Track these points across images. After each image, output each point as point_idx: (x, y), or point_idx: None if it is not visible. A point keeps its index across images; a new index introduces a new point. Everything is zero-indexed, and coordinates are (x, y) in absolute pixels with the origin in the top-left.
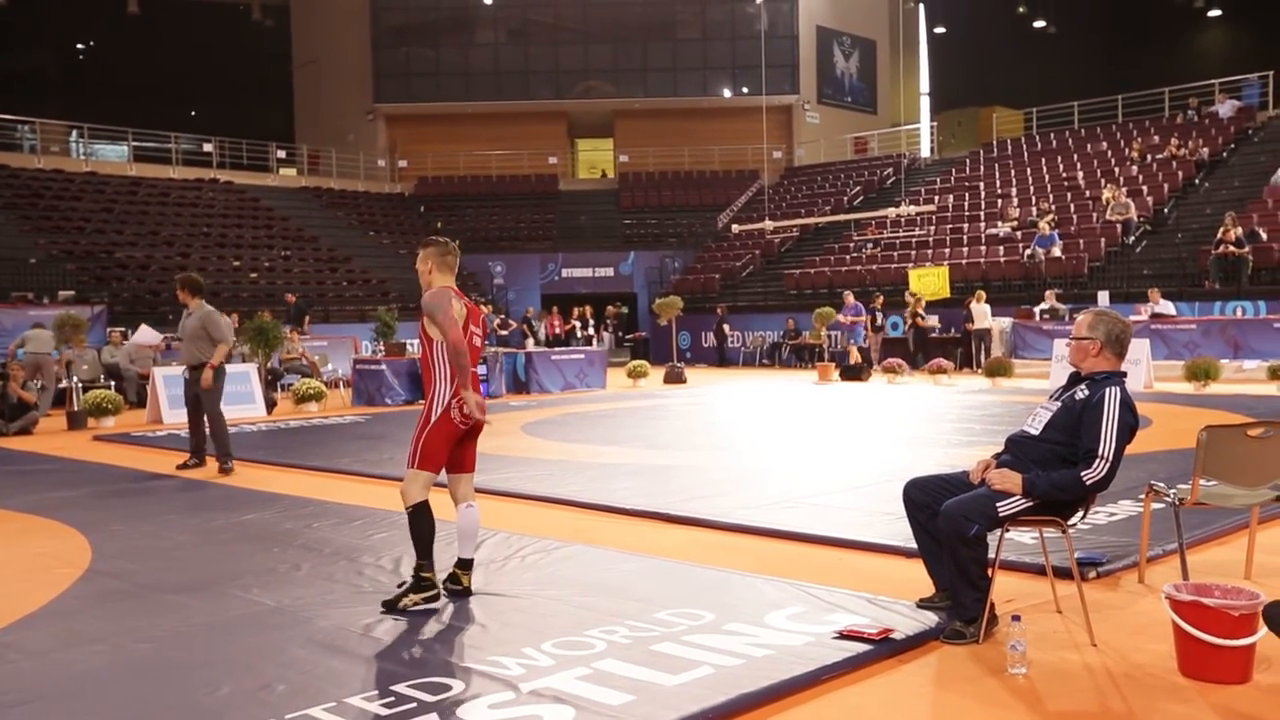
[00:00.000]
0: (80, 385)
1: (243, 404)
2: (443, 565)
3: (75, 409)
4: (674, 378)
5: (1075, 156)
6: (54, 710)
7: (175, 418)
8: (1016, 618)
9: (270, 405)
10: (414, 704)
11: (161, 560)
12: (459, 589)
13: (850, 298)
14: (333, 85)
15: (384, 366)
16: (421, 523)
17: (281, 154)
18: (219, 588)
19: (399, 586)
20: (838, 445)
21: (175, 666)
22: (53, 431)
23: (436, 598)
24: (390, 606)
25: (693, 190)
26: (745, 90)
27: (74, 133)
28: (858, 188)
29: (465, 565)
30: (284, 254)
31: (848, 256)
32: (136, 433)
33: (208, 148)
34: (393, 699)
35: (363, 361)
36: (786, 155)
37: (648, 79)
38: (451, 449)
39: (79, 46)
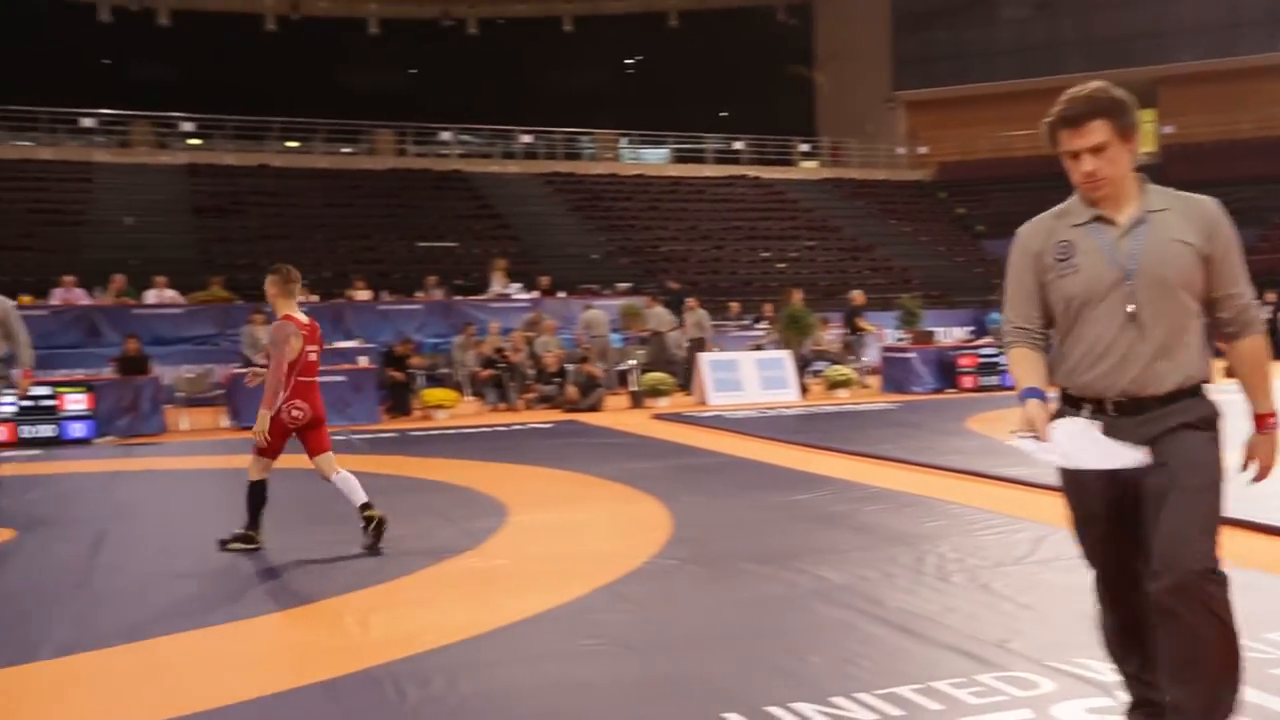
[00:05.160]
0: (639, 367)
1: (777, 389)
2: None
3: (635, 389)
4: None
5: None
6: (662, 654)
7: (719, 400)
8: None
9: (803, 390)
10: (1004, 697)
11: (733, 532)
12: (376, 526)
13: None
14: (853, 76)
15: (913, 355)
16: (256, 496)
17: (804, 147)
18: (787, 561)
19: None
20: None
21: (761, 631)
22: (616, 409)
23: (255, 550)
24: (223, 545)
25: (1257, 159)
26: None
27: (623, 140)
28: None
29: (366, 507)
30: (808, 244)
31: None
32: (687, 413)
33: (737, 146)
34: (980, 689)
35: (891, 350)
36: None
37: (1199, 39)
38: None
39: (626, 62)
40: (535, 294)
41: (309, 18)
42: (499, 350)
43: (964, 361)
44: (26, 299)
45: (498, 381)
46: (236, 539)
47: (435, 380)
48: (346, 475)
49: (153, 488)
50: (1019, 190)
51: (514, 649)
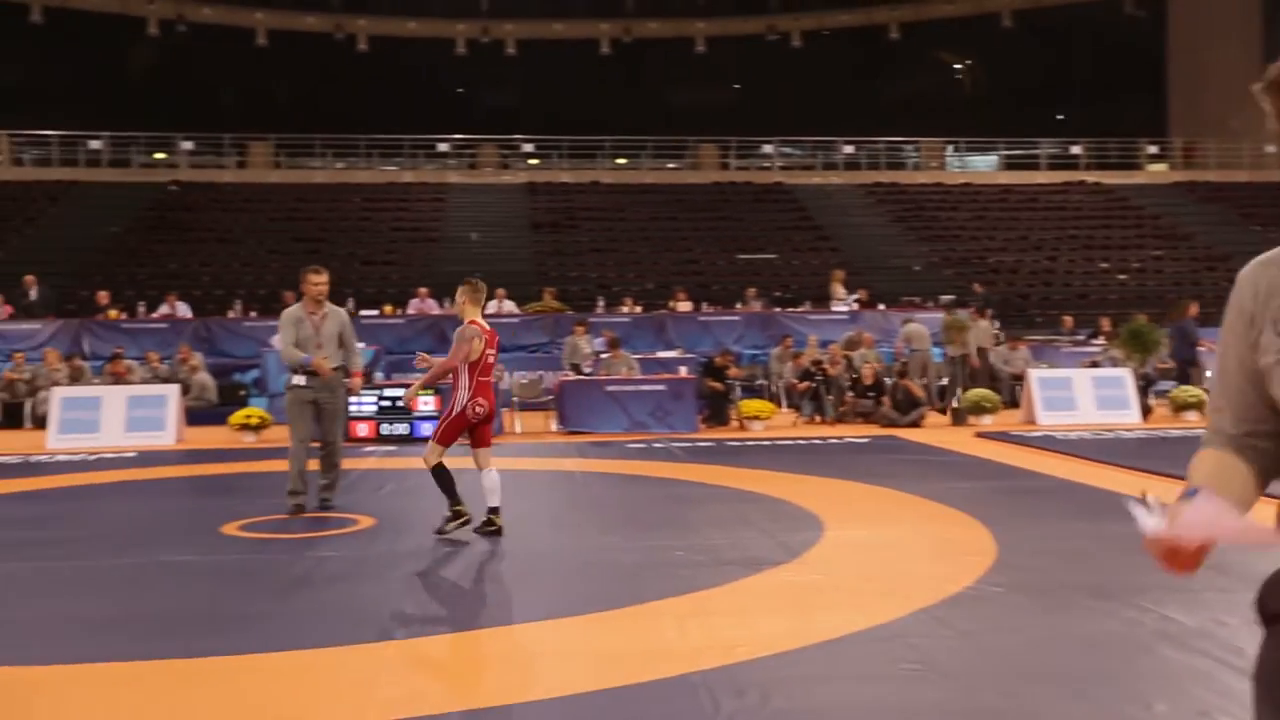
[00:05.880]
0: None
1: (1116, 409)
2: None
3: (958, 406)
4: None
5: None
6: (987, 686)
7: (1049, 420)
8: None
9: (1145, 412)
10: None
11: (1064, 561)
12: (493, 530)
13: None
14: (1212, 69)
15: None
16: (444, 477)
17: (1152, 149)
18: (1128, 598)
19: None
20: None
21: (1097, 670)
22: (937, 425)
23: (466, 523)
24: (439, 533)
25: None
26: None
27: (949, 148)
28: None
29: (494, 511)
30: (1155, 254)
31: None
32: (1014, 432)
33: (1075, 150)
34: None
35: None
36: None
37: None
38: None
39: (955, 67)
40: (854, 306)
41: (640, 39)
42: (816, 363)
43: None
44: (388, 309)
45: (814, 394)
46: (449, 520)
47: (752, 391)
48: (494, 474)
49: None
50: None
51: (830, 667)
